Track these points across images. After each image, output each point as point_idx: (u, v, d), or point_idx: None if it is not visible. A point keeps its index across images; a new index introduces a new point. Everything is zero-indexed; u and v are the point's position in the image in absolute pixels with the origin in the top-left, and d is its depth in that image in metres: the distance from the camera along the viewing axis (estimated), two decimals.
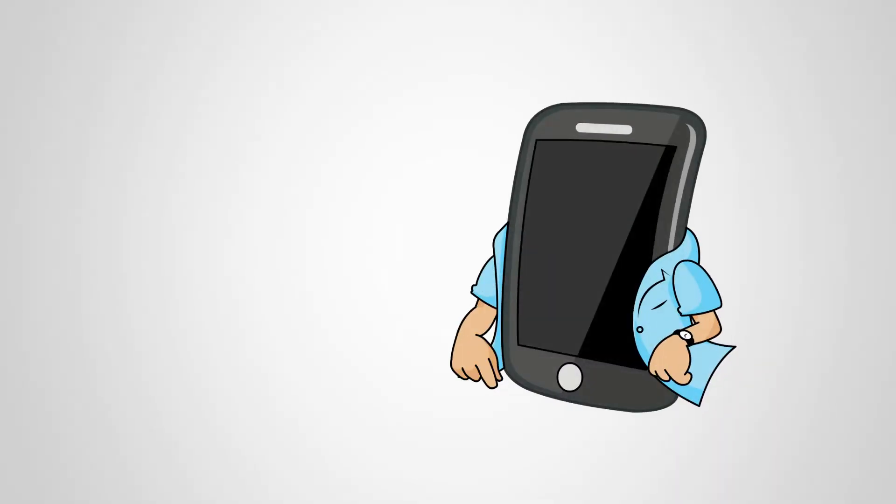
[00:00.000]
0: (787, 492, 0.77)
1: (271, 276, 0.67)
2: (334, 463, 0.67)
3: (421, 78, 0.66)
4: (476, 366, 0.66)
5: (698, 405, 0.75)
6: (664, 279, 0.66)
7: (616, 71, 0.64)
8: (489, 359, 0.66)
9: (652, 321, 0.69)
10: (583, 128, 0.60)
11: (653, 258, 0.63)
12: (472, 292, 0.65)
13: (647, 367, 0.65)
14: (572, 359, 0.67)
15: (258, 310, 0.68)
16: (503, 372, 0.66)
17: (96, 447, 0.68)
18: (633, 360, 0.65)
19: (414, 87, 0.66)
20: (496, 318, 0.66)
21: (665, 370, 0.69)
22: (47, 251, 0.69)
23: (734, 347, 0.75)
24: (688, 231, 0.64)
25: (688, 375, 0.72)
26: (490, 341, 0.66)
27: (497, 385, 0.66)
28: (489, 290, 0.66)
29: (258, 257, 0.67)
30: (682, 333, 0.66)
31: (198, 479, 0.68)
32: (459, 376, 0.67)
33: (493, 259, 0.66)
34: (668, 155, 0.58)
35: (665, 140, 0.58)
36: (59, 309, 0.69)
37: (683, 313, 0.67)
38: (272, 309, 0.67)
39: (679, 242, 0.63)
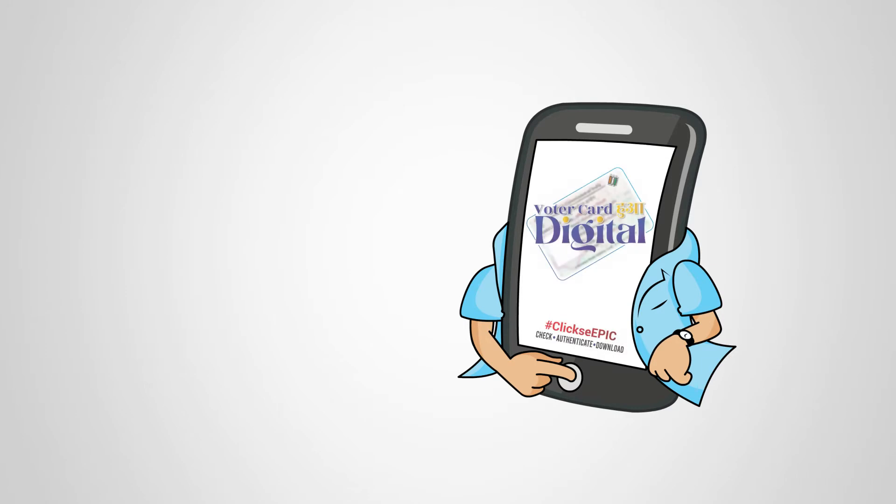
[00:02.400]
0: (786, 492, 0.76)
1: (272, 276, 0.67)
2: (334, 462, 0.66)
3: (419, 78, 0.65)
4: (539, 374, 0.64)
5: (698, 405, 0.74)
6: (664, 279, 0.65)
7: (616, 71, 0.64)
8: (538, 359, 0.64)
9: (652, 321, 0.69)
10: (583, 128, 0.59)
11: (652, 258, 0.63)
12: (461, 315, 0.64)
13: (647, 367, 0.64)
14: (572, 359, 0.67)
15: (259, 310, 0.67)
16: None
17: (98, 447, 0.68)
18: (633, 360, 0.64)
19: (413, 87, 0.66)
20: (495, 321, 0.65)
21: (665, 370, 0.68)
22: (48, 249, 0.68)
23: (734, 347, 0.74)
24: (688, 231, 0.63)
25: (688, 375, 0.71)
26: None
27: (577, 373, 0.65)
28: (481, 306, 0.65)
29: (259, 257, 0.67)
30: (683, 333, 0.65)
31: (198, 478, 0.67)
32: (538, 394, 0.65)
33: (476, 277, 0.65)
34: (668, 155, 0.58)
35: (665, 140, 0.57)
36: (59, 307, 0.68)
37: (683, 313, 0.67)
38: (273, 309, 0.67)
39: (679, 242, 0.62)
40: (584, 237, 0.68)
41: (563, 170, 0.60)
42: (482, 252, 0.63)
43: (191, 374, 0.67)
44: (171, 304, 0.67)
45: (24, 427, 0.69)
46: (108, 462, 0.69)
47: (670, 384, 0.67)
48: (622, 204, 0.65)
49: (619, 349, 0.70)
